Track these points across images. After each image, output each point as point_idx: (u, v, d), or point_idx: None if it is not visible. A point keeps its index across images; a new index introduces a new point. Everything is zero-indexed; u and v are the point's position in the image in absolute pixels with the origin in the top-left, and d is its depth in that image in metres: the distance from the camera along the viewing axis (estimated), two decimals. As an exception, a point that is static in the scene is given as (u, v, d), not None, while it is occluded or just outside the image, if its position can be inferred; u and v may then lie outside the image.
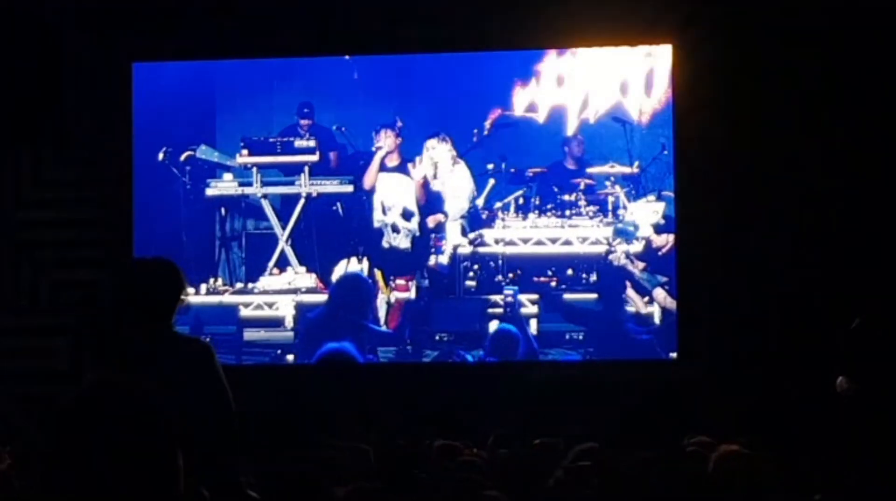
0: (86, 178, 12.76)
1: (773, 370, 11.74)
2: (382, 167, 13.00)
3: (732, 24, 12.29)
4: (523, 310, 12.76)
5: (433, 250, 12.96)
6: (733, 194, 12.50)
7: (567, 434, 7.22)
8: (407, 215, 13.01)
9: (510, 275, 12.90)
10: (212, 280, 12.97)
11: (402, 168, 13.05)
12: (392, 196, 13.05)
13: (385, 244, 13.02)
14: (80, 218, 12.81)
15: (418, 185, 12.95)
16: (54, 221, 12.76)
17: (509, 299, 12.78)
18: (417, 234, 12.99)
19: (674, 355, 12.58)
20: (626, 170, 12.98)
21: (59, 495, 2.12)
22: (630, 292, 12.87)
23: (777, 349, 11.87)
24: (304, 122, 13.08)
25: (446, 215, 12.92)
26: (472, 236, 12.94)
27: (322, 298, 12.89)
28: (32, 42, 12.41)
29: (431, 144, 12.98)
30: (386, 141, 13.01)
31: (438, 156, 12.98)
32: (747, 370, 11.85)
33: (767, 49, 12.29)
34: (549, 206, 13.03)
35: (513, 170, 12.97)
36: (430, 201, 12.98)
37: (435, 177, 13.00)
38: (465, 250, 12.91)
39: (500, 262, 12.94)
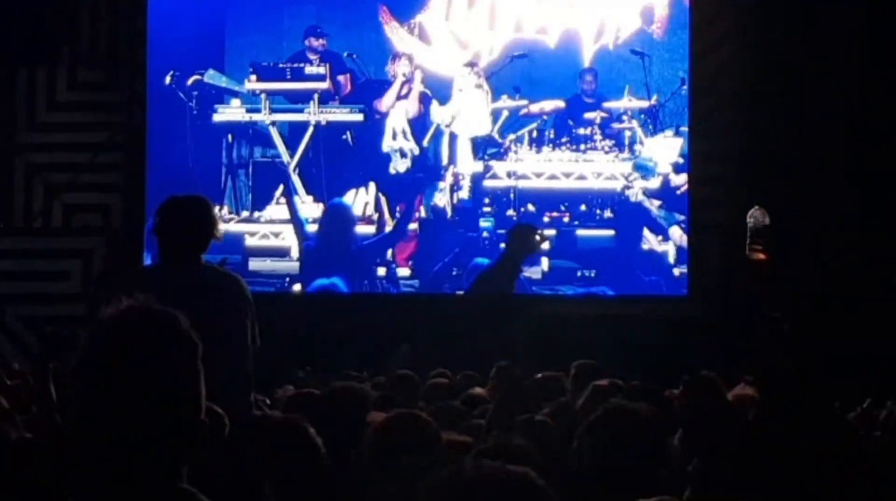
0: (100, 101, 12.93)
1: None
2: (399, 95, 13.18)
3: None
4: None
5: (442, 179, 13.17)
6: (748, 134, 12.53)
7: (575, 366, 7.20)
8: (411, 138, 13.16)
9: (522, 210, 13.09)
10: (217, 208, 13.08)
11: (420, 94, 13.16)
12: (403, 121, 13.25)
13: (392, 171, 13.20)
14: (94, 141, 12.96)
15: (415, 100, 13.14)
16: (68, 143, 12.92)
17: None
18: (417, 152, 13.16)
19: (684, 292, 12.77)
20: (644, 104, 13.12)
21: (91, 419, 2.16)
22: (645, 230, 13.05)
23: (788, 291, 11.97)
24: (315, 42, 13.22)
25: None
26: (483, 167, 13.10)
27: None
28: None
29: (461, 72, 13.14)
30: (402, 68, 13.16)
31: (464, 83, 13.13)
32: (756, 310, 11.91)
33: None
34: (563, 139, 13.16)
35: (526, 102, 13.14)
36: (433, 126, 13.12)
37: (457, 103, 13.17)
38: (476, 183, 13.11)
39: (511, 196, 13.11)
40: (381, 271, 13.18)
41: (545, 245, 12.20)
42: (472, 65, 13.13)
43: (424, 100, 13.16)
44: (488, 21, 13.19)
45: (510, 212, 13.05)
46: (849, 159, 12.19)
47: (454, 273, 13.00)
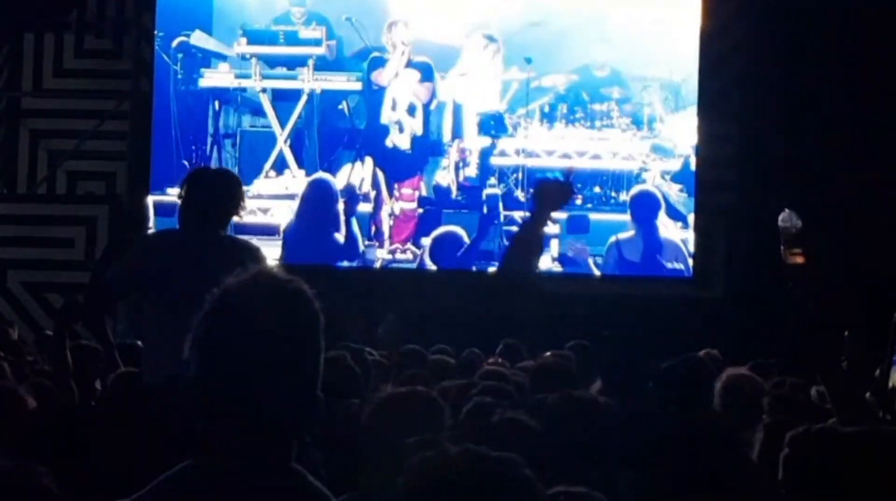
0: (107, 69, 12.80)
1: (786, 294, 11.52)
2: (399, 66, 12.55)
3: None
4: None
5: (446, 156, 12.53)
6: (757, 116, 12.12)
7: (576, 347, 7.11)
8: (412, 111, 12.55)
9: (531, 190, 12.46)
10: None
11: (420, 64, 12.58)
12: (404, 92, 12.58)
13: (389, 144, 12.55)
14: (100, 109, 12.74)
15: (412, 78, 12.52)
16: (74, 110, 12.79)
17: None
18: (420, 132, 12.55)
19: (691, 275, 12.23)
20: (665, 79, 12.50)
21: (214, 377, 2.21)
22: (662, 215, 12.42)
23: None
24: (296, 10, 12.64)
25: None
26: (490, 142, 12.49)
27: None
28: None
29: (472, 41, 12.52)
30: (400, 36, 12.56)
31: (472, 51, 12.52)
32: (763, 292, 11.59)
33: None
34: (577, 115, 12.53)
35: (538, 74, 12.50)
36: (439, 97, 12.55)
37: (462, 74, 12.55)
38: (483, 160, 12.50)
39: (520, 175, 12.49)
40: (379, 253, 12.56)
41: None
42: (482, 32, 12.50)
43: (425, 69, 12.53)
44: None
45: (518, 192, 12.42)
46: (860, 146, 11.83)
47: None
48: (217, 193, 5.32)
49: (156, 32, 12.54)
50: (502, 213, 12.34)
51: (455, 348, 8.13)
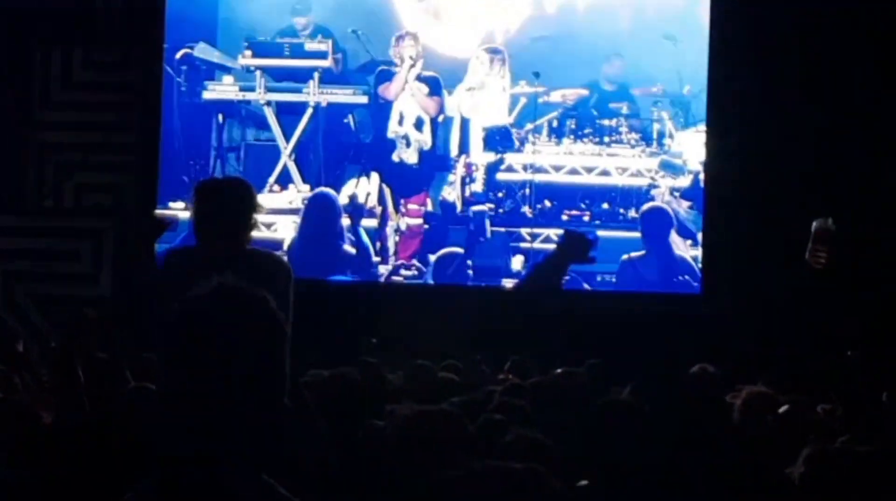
0: (115, 81, 12.68)
1: (794, 311, 11.47)
2: (406, 80, 12.42)
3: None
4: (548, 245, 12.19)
5: (452, 171, 12.41)
6: (766, 133, 11.96)
7: (588, 364, 7.04)
8: (419, 125, 12.44)
9: (538, 206, 12.35)
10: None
11: (428, 78, 12.47)
12: (411, 106, 12.47)
13: (395, 159, 12.41)
14: (108, 121, 12.67)
15: (419, 92, 12.40)
16: (82, 122, 12.69)
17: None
18: (427, 147, 12.44)
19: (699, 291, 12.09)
20: (675, 94, 12.37)
21: (176, 394, 2.23)
22: (672, 232, 12.30)
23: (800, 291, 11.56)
24: (299, 20, 12.53)
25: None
26: (497, 158, 12.37)
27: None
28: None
29: (480, 55, 12.41)
30: (408, 49, 12.45)
31: (480, 65, 12.40)
32: (771, 309, 11.55)
33: None
34: (586, 131, 12.40)
35: (546, 88, 12.39)
36: (446, 112, 12.43)
37: (469, 88, 12.43)
38: (490, 176, 12.38)
39: (527, 191, 12.37)
40: (382, 269, 12.44)
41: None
42: (489, 46, 12.40)
43: (433, 83, 12.42)
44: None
45: (525, 208, 12.30)
46: (872, 162, 11.79)
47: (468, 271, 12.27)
48: (231, 203, 5.09)
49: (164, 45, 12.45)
50: (489, 229, 12.22)
51: (462, 364, 8.01)
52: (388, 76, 12.40)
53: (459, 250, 12.30)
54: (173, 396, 2.24)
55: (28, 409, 4.53)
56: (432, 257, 12.32)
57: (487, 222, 12.23)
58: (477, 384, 7.05)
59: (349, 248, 12.28)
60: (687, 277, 12.20)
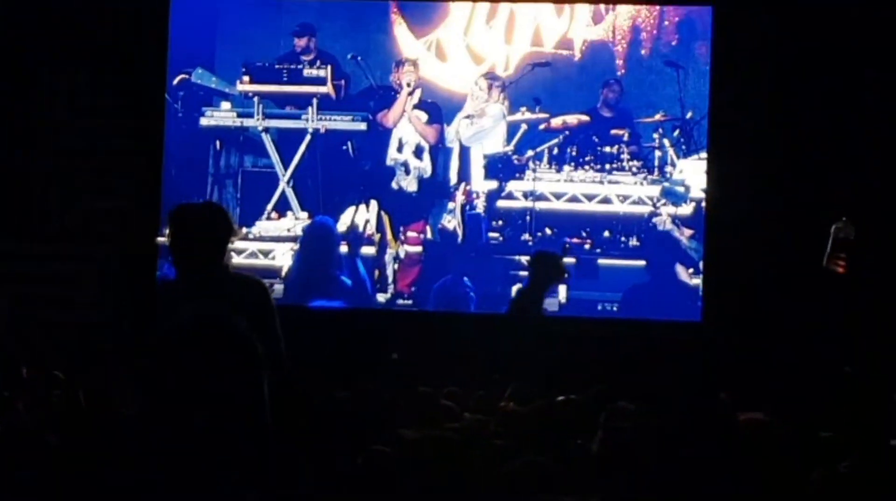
0: (120, 107, 12.62)
1: (795, 338, 11.42)
2: (405, 107, 12.35)
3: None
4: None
5: (452, 199, 12.33)
6: (767, 162, 11.89)
7: (592, 392, 6.97)
8: (419, 153, 12.38)
9: (539, 234, 12.26)
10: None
11: (427, 105, 12.40)
12: (411, 133, 12.40)
13: (394, 186, 12.32)
14: (113, 147, 12.61)
15: (418, 120, 12.33)
16: (87, 149, 12.66)
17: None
18: (427, 174, 12.37)
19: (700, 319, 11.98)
20: (677, 121, 12.28)
21: (159, 420, 2.28)
22: (676, 264, 12.18)
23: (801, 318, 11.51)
24: (299, 42, 12.43)
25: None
26: (498, 185, 12.29)
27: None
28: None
29: (479, 82, 12.35)
30: (407, 76, 12.38)
31: (479, 93, 12.33)
32: (771, 338, 11.50)
33: (810, 13, 11.80)
34: (587, 158, 12.32)
35: (547, 115, 12.32)
36: (446, 140, 12.37)
37: (468, 116, 12.36)
38: (490, 204, 12.29)
39: (528, 218, 12.28)
40: (381, 297, 12.35)
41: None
42: (488, 74, 12.34)
43: (433, 111, 12.35)
44: (505, 35, 12.40)
45: (526, 236, 12.21)
46: (874, 189, 11.74)
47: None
48: (206, 228, 5.20)
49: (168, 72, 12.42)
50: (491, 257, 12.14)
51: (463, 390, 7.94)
52: (386, 103, 12.33)
53: (462, 277, 12.21)
54: (154, 425, 2.29)
55: (33, 432, 4.52)
56: (434, 285, 12.23)
57: (489, 250, 12.16)
58: (478, 410, 7.03)
59: (346, 278, 12.19)
60: (689, 305, 12.09)
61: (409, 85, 12.27)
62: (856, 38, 11.77)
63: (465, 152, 12.26)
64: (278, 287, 12.12)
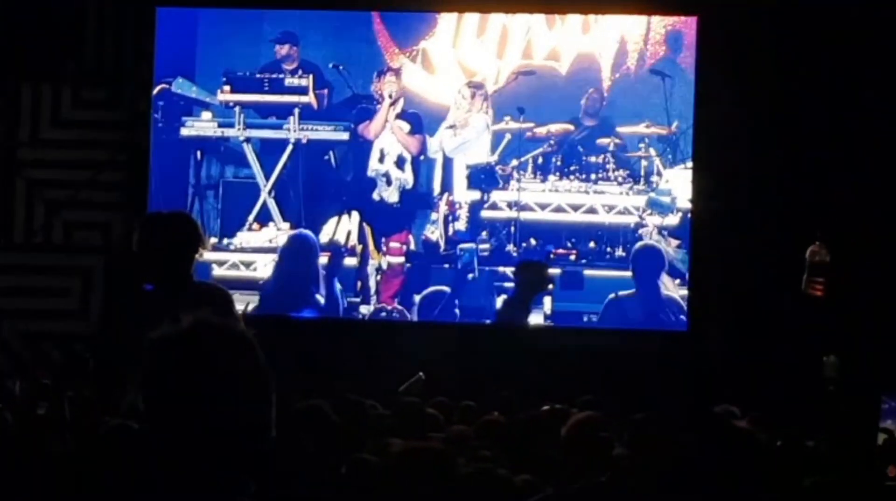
0: (104, 119, 12.66)
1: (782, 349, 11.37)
2: (387, 117, 12.25)
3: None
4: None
5: (435, 209, 12.23)
6: (752, 174, 11.89)
7: (579, 401, 6.96)
8: (401, 163, 12.28)
9: (523, 245, 12.17)
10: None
11: (410, 115, 12.30)
12: (393, 144, 12.29)
13: (376, 197, 12.20)
14: (97, 159, 12.63)
15: (400, 130, 12.23)
16: (71, 160, 12.67)
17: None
18: (409, 185, 12.27)
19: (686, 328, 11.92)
20: (663, 131, 12.21)
21: (162, 427, 2.26)
22: (663, 275, 12.08)
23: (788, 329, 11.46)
24: (281, 49, 12.30)
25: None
26: (481, 196, 12.19)
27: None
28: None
29: (462, 90, 12.25)
30: (389, 86, 12.28)
31: (463, 102, 12.23)
32: (757, 348, 11.46)
33: (795, 23, 11.77)
34: (572, 167, 12.23)
35: (532, 125, 12.24)
36: (429, 151, 12.27)
37: (451, 126, 12.26)
38: (473, 214, 12.19)
39: (512, 229, 12.18)
40: (364, 309, 12.24)
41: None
42: (471, 83, 12.25)
43: (415, 121, 12.25)
44: (497, 49, 12.30)
45: (510, 247, 12.11)
46: (860, 202, 11.72)
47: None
48: (176, 237, 5.22)
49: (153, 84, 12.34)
50: (477, 268, 12.03)
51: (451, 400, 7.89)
52: (368, 114, 12.23)
53: (445, 288, 12.11)
54: (164, 435, 2.26)
55: (14, 446, 4.50)
56: (417, 297, 12.13)
57: (475, 261, 12.05)
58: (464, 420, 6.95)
59: (319, 296, 12.09)
60: (674, 316, 12.02)
61: (391, 96, 12.18)
62: (842, 47, 11.73)
63: (448, 163, 12.17)
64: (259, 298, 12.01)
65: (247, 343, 2.31)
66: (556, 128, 12.17)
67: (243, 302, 11.74)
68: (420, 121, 12.18)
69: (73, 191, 12.65)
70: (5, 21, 12.36)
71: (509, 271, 11.82)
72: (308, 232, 12.17)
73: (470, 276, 12.01)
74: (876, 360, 10.56)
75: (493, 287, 11.98)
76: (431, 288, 12.09)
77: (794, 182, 11.77)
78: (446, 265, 12.11)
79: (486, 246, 12.14)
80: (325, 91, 12.27)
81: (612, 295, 11.96)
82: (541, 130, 12.15)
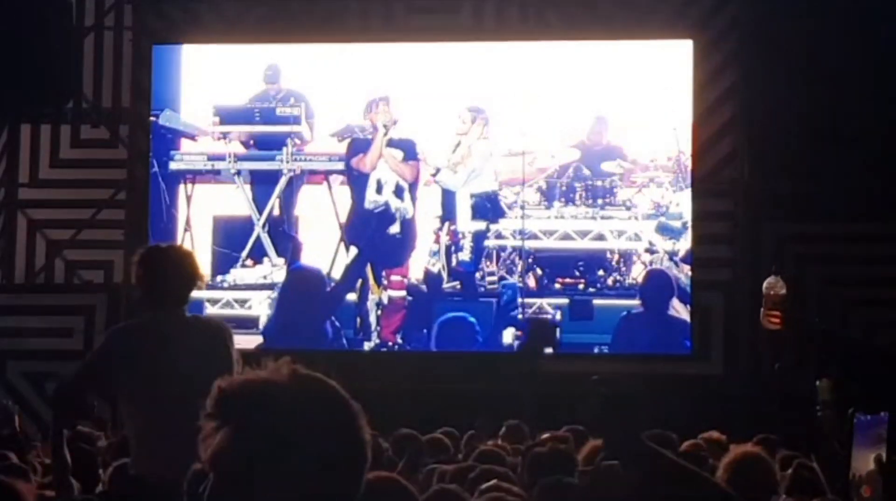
0: (103, 158, 12.68)
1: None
2: (381, 148, 11.95)
3: (754, 20, 11.83)
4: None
5: (436, 240, 11.88)
6: (749, 195, 11.81)
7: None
8: (399, 193, 11.93)
9: (530, 274, 11.79)
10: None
11: (402, 143, 11.96)
12: (389, 174, 11.95)
13: (375, 229, 11.79)
14: (97, 198, 12.66)
15: (394, 159, 11.92)
16: (71, 200, 12.71)
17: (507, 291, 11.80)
18: (409, 215, 11.92)
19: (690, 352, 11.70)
20: (671, 154, 11.87)
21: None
22: (673, 299, 11.75)
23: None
24: (269, 87, 12.04)
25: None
26: (485, 226, 11.85)
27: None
28: (56, 28, 12.28)
29: (462, 114, 11.92)
30: (381, 116, 11.95)
31: (463, 127, 11.91)
32: (762, 371, 11.37)
33: (789, 45, 11.61)
34: (578, 193, 11.88)
35: (536, 150, 11.86)
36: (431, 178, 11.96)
37: (452, 152, 11.92)
38: (477, 244, 11.84)
39: (517, 258, 11.80)
40: (366, 345, 11.87)
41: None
42: (473, 107, 11.90)
43: (408, 148, 11.90)
44: (496, 74, 12.03)
45: (515, 278, 11.73)
46: (860, 223, 11.76)
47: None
48: (176, 271, 5.28)
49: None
50: (520, 304, 11.68)
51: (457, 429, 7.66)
52: (361, 147, 11.90)
53: (463, 314, 11.75)
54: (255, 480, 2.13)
55: (12, 490, 4.26)
56: (417, 331, 11.78)
57: (518, 298, 11.70)
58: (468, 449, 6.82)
59: (328, 327, 11.76)
60: (681, 339, 11.69)
61: (384, 126, 11.84)
62: (836, 71, 11.59)
63: (448, 191, 11.82)
64: (256, 338, 11.62)
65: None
66: (560, 153, 11.81)
67: (241, 344, 11.44)
68: (413, 147, 11.86)
69: (74, 230, 12.74)
70: (3, 62, 12.18)
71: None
72: (309, 264, 11.84)
73: (514, 313, 11.66)
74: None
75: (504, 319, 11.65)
76: (450, 314, 11.73)
77: (797, 204, 11.77)
78: (492, 300, 11.70)
79: (491, 278, 11.76)
80: (314, 121, 11.97)
81: (623, 313, 11.63)
82: (544, 156, 11.80)
